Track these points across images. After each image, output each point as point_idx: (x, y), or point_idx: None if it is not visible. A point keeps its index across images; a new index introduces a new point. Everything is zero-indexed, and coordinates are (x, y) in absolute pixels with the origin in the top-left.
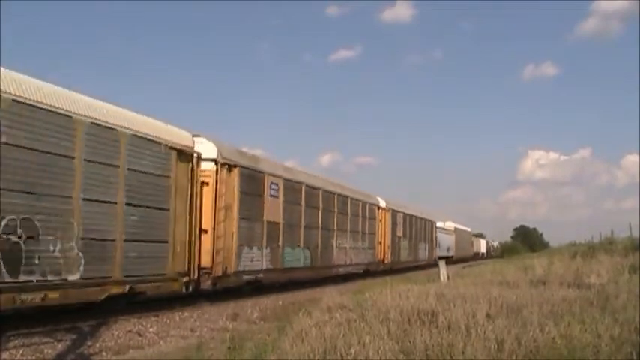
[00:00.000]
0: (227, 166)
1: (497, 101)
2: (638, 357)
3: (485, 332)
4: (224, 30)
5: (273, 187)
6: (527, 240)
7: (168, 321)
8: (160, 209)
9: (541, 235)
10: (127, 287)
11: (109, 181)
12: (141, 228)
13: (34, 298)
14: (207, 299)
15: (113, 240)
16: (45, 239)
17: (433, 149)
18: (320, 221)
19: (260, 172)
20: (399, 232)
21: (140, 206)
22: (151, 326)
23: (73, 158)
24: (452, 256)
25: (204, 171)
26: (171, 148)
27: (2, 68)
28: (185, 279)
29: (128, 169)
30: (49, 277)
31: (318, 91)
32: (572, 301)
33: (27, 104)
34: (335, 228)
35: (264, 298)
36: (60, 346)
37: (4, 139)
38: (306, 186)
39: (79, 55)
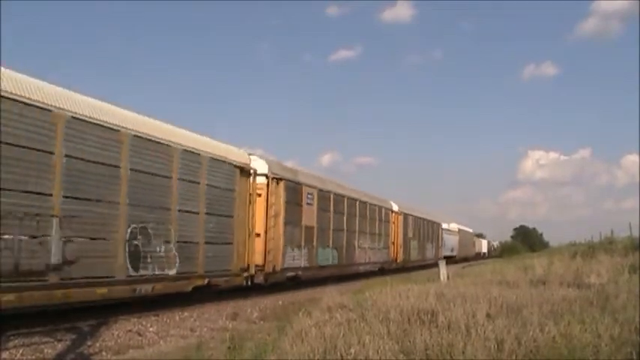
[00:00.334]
0: (275, 180)
1: (497, 101)
2: (638, 357)
3: (485, 332)
4: (224, 30)
5: (309, 196)
6: (527, 240)
7: (168, 321)
8: (227, 217)
9: (541, 235)
10: (207, 281)
11: (194, 196)
12: (215, 233)
13: (147, 288)
14: (211, 299)
15: (197, 243)
16: (154, 242)
17: (433, 149)
18: (345, 224)
19: (299, 183)
20: (410, 234)
21: (214, 215)
22: (150, 326)
23: (171, 178)
24: (455, 256)
25: (258, 184)
26: (236, 166)
27: (122, 109)
28: (245, 274)
29: (207, 184)
30: (157, 272)
31: (318, 91)
32: (572, 301)
33: (145, 139)
34: (356, 230)
35: (264, 298)
36: (60, 346)
37: (138, 168)
38: (334, 194)
39: (79, 55)
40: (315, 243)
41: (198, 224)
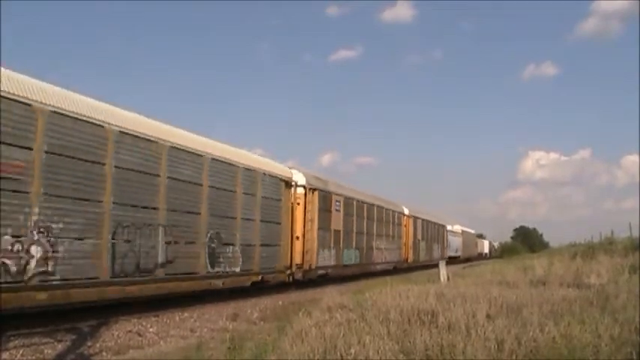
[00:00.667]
0: (311, 190)
1: (497, 101)
2: (638, 357)
3: (485, 332)
4: (224, 30)
5: (336, 203)
6: (527, 240)
7: (168, 321)
8: (275, 223)
9: (541, 235)
10: (261, 277)
11: (252, 206)
12: (267, 236)
13: (218, 283)
14: (211, 300)
15: (254, 245)
16: (225, 245)
17: (433, 149)
18: (365, 228)
19: (329, 192)
20: (419, 236)
21: (266, 221)
22: (150, 326)
23: (236, 192)
24: (460, 256)
25: (297, 194)
26: (281, 179)
27: (202, 136)
28: (288, 272)
29: (262, 196)
30: (227, 270)
31: (318, 91)
32: (572, 301)
33: (220, 161)
34: (374, 233)
35: (264, 298)
36: (60, 347)
37: (215, 185)
38: (356, 201)
39: (79, 55)
40: (341, 245)
41: (255, 230)
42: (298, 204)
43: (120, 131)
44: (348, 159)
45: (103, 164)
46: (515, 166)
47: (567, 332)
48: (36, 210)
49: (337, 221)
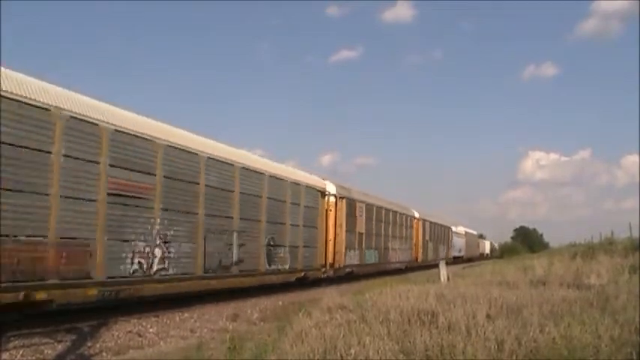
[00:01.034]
0: (341, 198)
1: (497, 101)
2: (638, 358)
3: (485, 333)
4: (224, 30)
5: (360, 209)
6: (527, 240)
7: (168, 322)
8: (314, 227)
9: (541, 235)
10: (303, 274)
11: (297, 213)
12: (307, 239)
13: (273, 278)
14: (211, 300)
15: (298, 246)
16: (277, 247)
17: (433, 149)
18: (382, 230)
19: (354, 200)
20: (427, 237)
21: (307, 226)
22: (150, 327)
23: (285, 202)
24: (463, 256)
25: (330, 202)
26: (318, 190)
27: (263, 159)
28: (323, 269)
29: (304, 205)
30: (279, 267)
31: (318, 91)
32: (572, 301)
33: (274, 177)
34: (390, 235)
35: (264, 298)
36: (60, 347)
37: (271, 196)
38: (376, 206)
39: (79, 55)
40: (363, 246)
41: (299, 234)
42: (330, 210)
43: (208, 157)
44: (348, 159)
45: (198, 184)
46: (515, 166)
47: (567, 333)
48: (158, 221)
49: (360, 225)
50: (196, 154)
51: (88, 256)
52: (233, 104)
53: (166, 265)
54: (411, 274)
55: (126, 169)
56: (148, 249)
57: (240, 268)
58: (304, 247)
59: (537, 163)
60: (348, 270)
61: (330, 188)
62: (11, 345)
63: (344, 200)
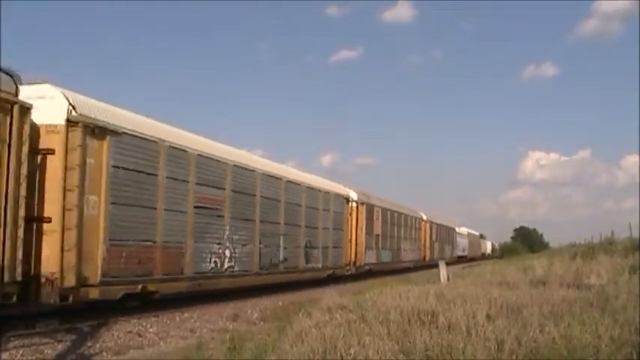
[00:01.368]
0: (361, 204)
1: (497, 101)
2: (638, 358)
3: (485, 333)
4: (224, 30)
5: (376, 213)
6: (527, 240)
7: (168, 322)
8: (340, 230)
9: (541, 235)
10: (332, 271)
11: (327, 218)
12: (335, 241)
13: (309, 275)
14: (211, 300)
15: (328, 247)
16: (312, 248)
17: (433, 149)
18: (395, 232)
19: (372, 205)
20: (434, 237)
21: (335, 229)
22: (150, 327)
23: (318, 209)
24: (466, 256)
25: (352, 207)
26: (344, 197)
27: (301, 171)
28: (347, 267)
29: (333, 211)
30: (314, 265)
31: (318, 91)
32: (572, 301)
33: (311, 188)
34: (402, 236)
35: (264, 298)
36: (60, 347)
37: (308, 205)
38: (390, 211)
39: (79, 55)
40: (379, 246)
41: (328, 236)
42: (352, 215)
43: (263, 173)
44: (349, 159)
45: (254, 195)
46: (515, 166)
47: (567, 333)
48: (227, 227)
49: (377, 228)
50: (254, 170)
51: (181, 256)
52: (233, 104)
53: (233, 264)
54: (412, 274)
55: (206, 185)
56: (220, 250)
57: (285, 266)
58: (333, 247)
59: (537, 163)
60: (367, 268)
61: (353, 195)
62: (11, 345)
63: (364, 205)
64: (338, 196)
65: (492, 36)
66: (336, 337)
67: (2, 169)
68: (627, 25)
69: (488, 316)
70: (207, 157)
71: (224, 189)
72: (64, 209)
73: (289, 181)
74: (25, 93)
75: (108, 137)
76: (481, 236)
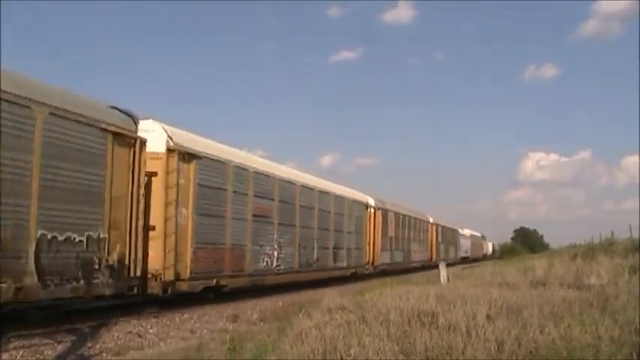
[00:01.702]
0: (378, 209)
1: (497, 102)
2: (638, 358)
3: (485, 333)
4: (224, 30)
5: (390, 217)
6: (527, 241)
7: (168, 322)
8: (360, 233)
9: (541, 236)
10: (354, 270)
11: (350, 222)
12: (357, 242)
13: (337, 273)
14: (211, 301)
15: (351, 248)
16: (339, 249)
17: (433, 149)
18: (406, 234)
19: (387, 210)
20: (439, 239)
21: (356, 232)
22: (150, 327)
23: (344, 215)
24: (469, 256)
25: (370, 212)
26: (363, 203)
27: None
28: (367, 266)
29: (355, 216)
30: (340, 264)
31: (318, 91)
32: (572, 302)
33: (339, 196)
34: (411, 238)
35: (264, 299)
36: (60, 348)
37: (336, 211)
38: (402, 214)
39: (79, 55)
40: (393, 247)
41: (352, 238)
42: (370, 219)
43: (302, 185)
44: (348, 159)
45: (295, 204)
46: (516, 166)
47: (567, 333)
48: (275, 232)
49: (391, 230)
50: (294, 183)
51: (243, 256)
52: (233, 104)
53: (280, 263)
54: (412, 274)
55: (260, 197)
56: (270, 251)
57: (318, 265)
58: (355, 248)
59: (537, 163)
60: (382, 267)
61: (371, 202)
62: (11, 345)
63: (380, 211)
64: (359, 202)
65: (493, 37)
66: (336, 338)
67: (129, 189)
68: (627, 26)
69: (488, 317)
70: (260, 173)
71: (273, 200)
72: (165, 219)
73: (321, 191)
74: None
75: (194, 161)
76: (482, 237)
